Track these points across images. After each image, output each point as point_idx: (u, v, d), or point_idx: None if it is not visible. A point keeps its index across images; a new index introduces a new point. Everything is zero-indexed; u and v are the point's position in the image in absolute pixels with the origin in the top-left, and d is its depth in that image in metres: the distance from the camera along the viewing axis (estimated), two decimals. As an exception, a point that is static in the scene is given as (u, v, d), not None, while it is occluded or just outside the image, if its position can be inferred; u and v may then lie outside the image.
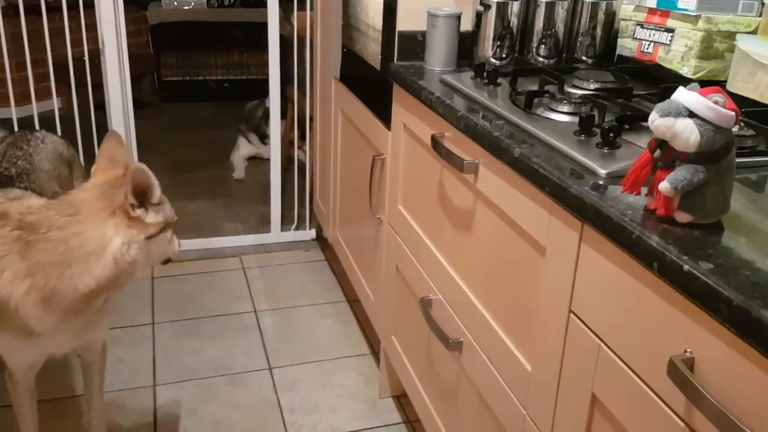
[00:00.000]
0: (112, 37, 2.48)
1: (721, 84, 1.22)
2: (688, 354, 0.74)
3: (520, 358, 1.15)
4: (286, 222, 2.95)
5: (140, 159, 2.71)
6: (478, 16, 1.63)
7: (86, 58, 2.62)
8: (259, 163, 3.69)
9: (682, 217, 0.79)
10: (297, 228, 2.97)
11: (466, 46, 1.64)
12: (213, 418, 1.89)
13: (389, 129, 1.75)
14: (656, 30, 1.36)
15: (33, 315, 1.22)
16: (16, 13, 2.42)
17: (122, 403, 1.92)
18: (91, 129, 2.60)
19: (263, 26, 2.64)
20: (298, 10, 2.80)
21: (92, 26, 2.65)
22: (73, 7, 2.51)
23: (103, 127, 2.59)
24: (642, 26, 1.40)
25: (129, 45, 2.55)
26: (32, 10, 2.48)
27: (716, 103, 0.75)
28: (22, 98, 2.91)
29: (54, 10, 2.55)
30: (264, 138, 3.57)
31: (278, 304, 2.46)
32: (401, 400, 1.98)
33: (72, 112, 2.59)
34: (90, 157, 2.59)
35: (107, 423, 1.74)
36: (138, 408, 1.91)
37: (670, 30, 1.33)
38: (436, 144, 1.40)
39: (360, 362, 2.16)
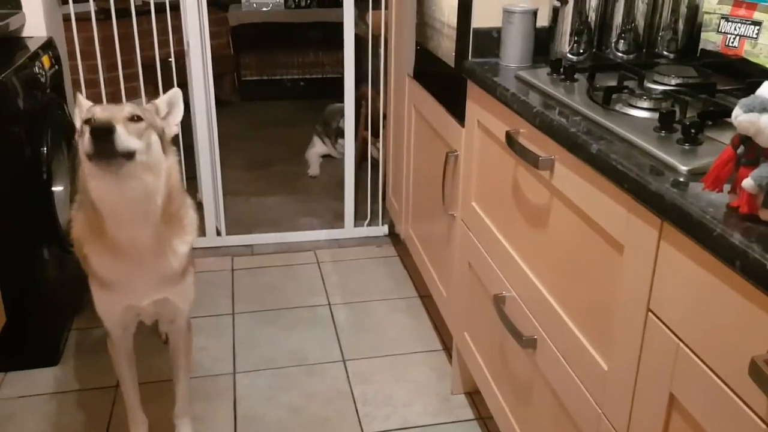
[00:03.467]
0: (197, 39, 2.59)
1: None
2: (771, 354, 0.73)
3: (595, 357, 1.14)
4: (359, 218, 3.00)
5: (221, 155, 2.82)
6: (555, 12, 1.62)
7: (172, 59, 2.74)
8: (333, 160, 3.77)
9: (767, 214, 0.78)
10: (370, 224, 3.01)
11: (541, 42, 1.63)
12: (290, 405, 1.95)
13: (463, 125, 1.76)
14: (742, 23, 1.32)
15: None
16: (108, 16, 2.56)
17: (205, 389, 2.01)
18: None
19: (339, 26, 2.69)
20: (373, 9, 2.84)
21: (178, 28, 2.78)
22: (160, 11, 2.64)
23: (187, 126, 2.71)
24: (727, 19, 1.36)
25: (211, 46, 2.65)
26: (122, 14, 2.62)
27: (804, 98, 0.73)
28: (113, 98, 3.06)
29: (142, 13, 2.68)
30: (338, 143, 3.66)
31: (351, 298, 2.51)
32: (473, 396, 1.99)
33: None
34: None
35: (191, 406, 1.83)
36: (219, 394, 2.00)
37: (757, 23, 1.28)
38: (511, 140, 1.40)
39: (432, 358, 2.17)
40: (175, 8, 2.64)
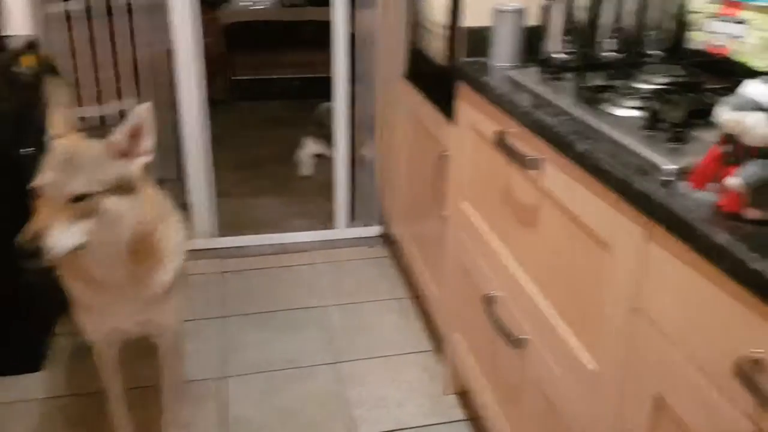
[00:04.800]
0: (188, 38, 2.57)
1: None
2: (757, 354, 0.72)
3: (584, 357, 1.14)
4: (351, 218, 2.99)
5: (213, 155, 2.81)
6: (544, 11, 1.61)
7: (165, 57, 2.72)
8: (326, 160, 3.75)
9: (753, 213, 0.77)
10: (362, 224, 3.00)
11: (532, 42, 1.63)
12: (281, 409, 1.94)
13: (454, 125, 1.76)
14: (728, 22, 1.32)
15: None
16: (95, 14, 2.53)
17: (194, 394, 2.00)
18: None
19: (330, 25, 2.68)
20: (363, 8, 2.82)
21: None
22: (150, 10, 2.62)
23: (174, 126, 2.69)
24: (713, 18, 1.36)
25: (203, 44, 2.64)
26: (109, 12, 2.60)
27: (789, 96, 0.73)
28: (99, 98, 3.04)
29: (131, 12, 2.66)
30: (330, 141, 3.64)
31: (344, 299, 2.50)
32: (465, 396, 1.98)
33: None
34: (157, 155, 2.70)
35: (181, 412, 1.82)
36: (209, 399, 1.98)
37: (743, 22, 1.28)
38: (501, 140, 1.40)
39: (424, 358, 2.17)
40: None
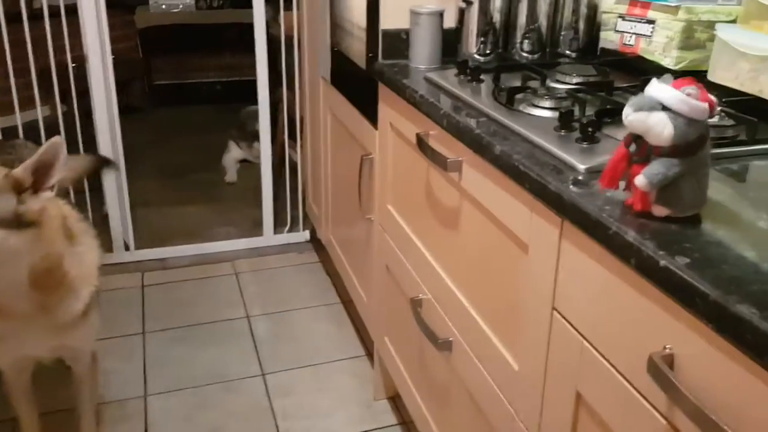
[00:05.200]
0: (96, 44, 2.47)
1: (702, 74, 1.21)
2: (667, 350, 0.73)
3: (507, 357, 1.14)
4: (279, 224, 2.94)
5: (130, 165, 2.71)
6: (461, 13, 1.62)
7: (70, 65, 2.60)
8: (251, 165, 3.68)
9: (659, 211, 0.78)
10: (290, 230, 2.95)
11: (450, 44, 1.63)
12: (206, 426, 1.88)
13: (376, 128, 1.74)
14: (637, 22, 1.35)
15: None
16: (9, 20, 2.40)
17: (113, 415, 1.91)
18: (77, 137, 2.58)
19: (253, 27, 2.63)
20: (285, 10, 2.78)
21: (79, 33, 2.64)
22: (57, 15, 2.49)
23: (91, 135, 2.58)
24: (623, 18, 1.39)
25: (118, 49, 2.54)
26: (16, 19, 2.47)
27: (689, 95, 0.74)
28: (7, 108, 2.89)
29: (40, 17, 2.53)
30: (254, 147, 3.58)
31: (271, 308, 2.45)
32: (396, 401, 1.97)
33: (58, 120, 2.58)
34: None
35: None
36: (129, 419, 1.90)
37: (651, 21, 1.31)
38: (422, 142, 1.39)
39: (355, 365, 2.14)
40: (75, 11, 2.51)
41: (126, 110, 2.64)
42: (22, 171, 1.19)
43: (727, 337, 0.64)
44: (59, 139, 1.20)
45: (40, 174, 1.20)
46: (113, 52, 2.53)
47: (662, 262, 0.70)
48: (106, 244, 2.66)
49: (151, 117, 4.60)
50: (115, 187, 2.66)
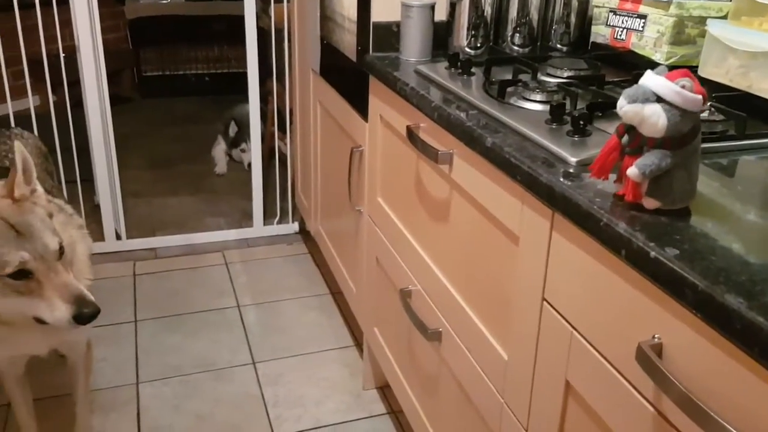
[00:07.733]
0: (87, 34, 2.45)
1: (693, 69, 1.23)
2: (656, 340, 0.75)
3: (496, 347, 1.15)
4: (268, 216, 2.94)
5: (120, 155, 2.70)
6: (452, 6, 1.62)
7: (61, 54, 2.58)
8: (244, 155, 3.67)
9: (650, 203, 0.80)
10: (280, 221, 2.96)
11: (441, 36, 1.64)
12: (197, 414, 1.89)
13: (366, 120, 1.75)
14: (629, 16, 1.36)
15: None
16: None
17: (105, 402, 1.91)
18: (68, 126, 2.57)
19: (243, 19, 2.62)
20: (275, 2, 2.78)
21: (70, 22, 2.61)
22: (48, 4, 2.47)
23: (81, 125, 2.57)
24: (615, 13, 1.40)
25: (107, 40, 2.52)
26: (6, 8, 2.44)
27: (683, 87, 0.75)
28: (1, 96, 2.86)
29: (32, 6, 2.51)
30: (233, 152, 3.59)
31: (261, 298, 2.45)
32: (385, 391, 1.98)
33: (50, 109, 2.56)
34: (68, 156, 2.57)
35: (92, 422, 1.74)
36: (121, 406, 1.90)
37: (643, 16, 1.33)
38: (412, 135, 1.39)
39: (344, 354, 2.16)
40: (66, 1, 2.49)
41: (115, 101, 2.63)
42: (21, 186, 1.24)
43: (715, 326, 0.65)
44: (20, 146, 1.26)
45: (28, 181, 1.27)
46: (103, 42, 2.51)
47: (652, 254, 0.72)
48: (98, 234, 2.66)
49: (140, 108, 4.58)
50: (106, 177, 2.65)
